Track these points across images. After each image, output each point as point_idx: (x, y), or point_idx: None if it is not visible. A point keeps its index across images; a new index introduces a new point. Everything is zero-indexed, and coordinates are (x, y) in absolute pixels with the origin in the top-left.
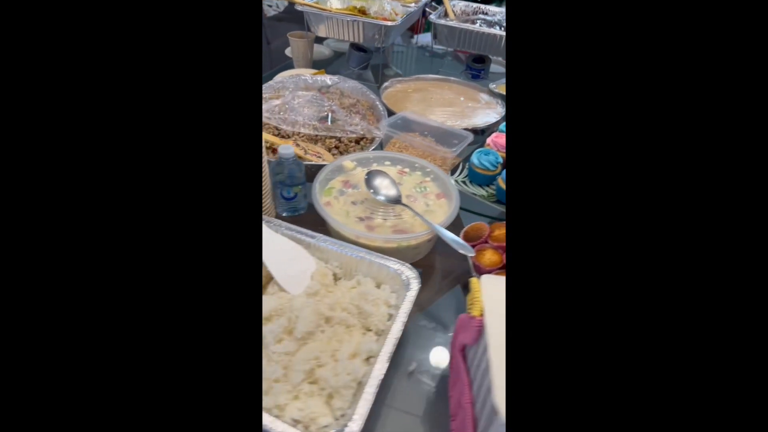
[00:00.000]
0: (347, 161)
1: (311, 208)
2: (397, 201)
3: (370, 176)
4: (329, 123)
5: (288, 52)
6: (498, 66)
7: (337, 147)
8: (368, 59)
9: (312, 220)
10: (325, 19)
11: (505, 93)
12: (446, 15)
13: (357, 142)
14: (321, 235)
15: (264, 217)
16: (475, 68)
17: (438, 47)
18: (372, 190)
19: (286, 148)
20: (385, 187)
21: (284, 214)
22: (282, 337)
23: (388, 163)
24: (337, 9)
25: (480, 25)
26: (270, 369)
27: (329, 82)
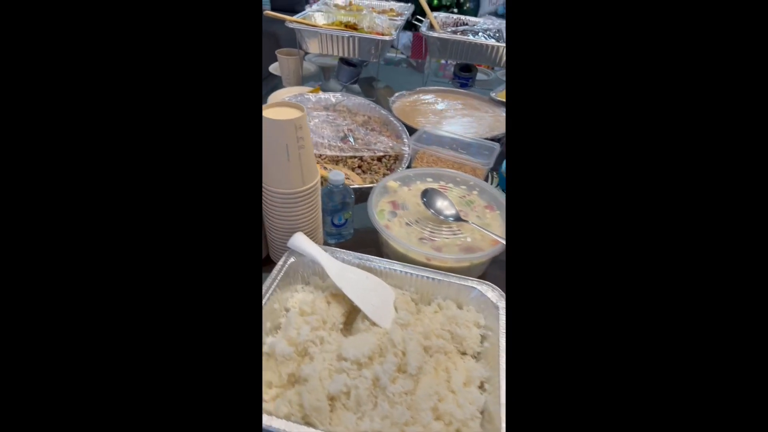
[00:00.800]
0: (391, 181)
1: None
2: (457, 218)
3: (427, 195)
4: (352, 142)
5: (272, 69)
6: (481, 75)
7: (360, 167)
8: (358, 73)
9: (355, 245)
10: (320, 35)
11: (504, 99)
12: (432, 27)
13: (379, 159)
14: (386, 260)
15: (326, 248)
16: (463, 77)
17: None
18: (432, 210)
19: (337, 175)
20: (444, 206)
21: (332, 242)
22: (395, 375)
23: (429, 179)
24: (326, 25)
25: (471, 36)
26: (397, 413)
27: (333, 100)
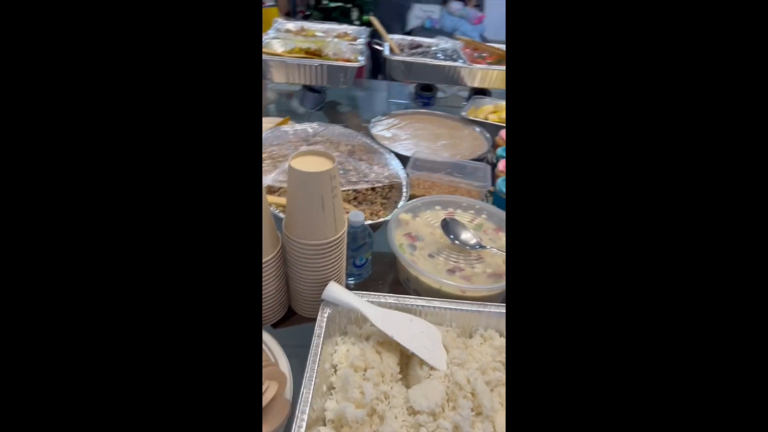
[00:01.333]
0: (403, 214)
1: None
2: (480, 246)
3: (447, 226)
4: (344, 174)
5: None
6: (440, 92)
7: (356, 198)
8: (323, 99)
9: (370, 283)
10: (286, 65)
11: (477, 118)
12: (392, 51)
13: (373, 189)
14: (423, 298)
15: (359, 293)
16: (426, 96)
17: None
18: (458, 241)
19: (357, 216)
20: (467, 236)
21: (351, 282)
22: (473, 420)
23: (438, 207)
24: (286, 52)
25: (433, 57)
26: None
27: (311, 131)
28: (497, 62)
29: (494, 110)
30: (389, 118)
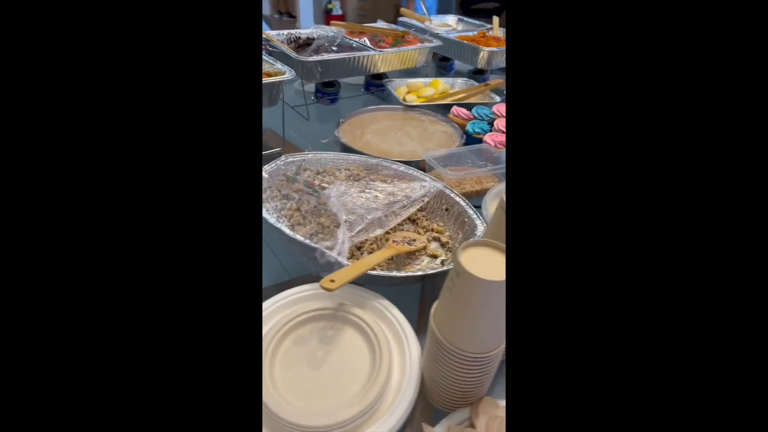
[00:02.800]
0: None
1: None
2: None
3: None
4: (383, 200)
5: None
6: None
7: (413, 221)
8: None
9: None
10: None
11: (420, 102)
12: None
13: (412, 222)
14: None
15: None
16: (329, 92)
17: None
18: None
19: None
20: None
21: None
22: None
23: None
24: None
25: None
26: None
27: (284, 166)
28: (395, 44)
29: (408, 91)
30: (338, 126)
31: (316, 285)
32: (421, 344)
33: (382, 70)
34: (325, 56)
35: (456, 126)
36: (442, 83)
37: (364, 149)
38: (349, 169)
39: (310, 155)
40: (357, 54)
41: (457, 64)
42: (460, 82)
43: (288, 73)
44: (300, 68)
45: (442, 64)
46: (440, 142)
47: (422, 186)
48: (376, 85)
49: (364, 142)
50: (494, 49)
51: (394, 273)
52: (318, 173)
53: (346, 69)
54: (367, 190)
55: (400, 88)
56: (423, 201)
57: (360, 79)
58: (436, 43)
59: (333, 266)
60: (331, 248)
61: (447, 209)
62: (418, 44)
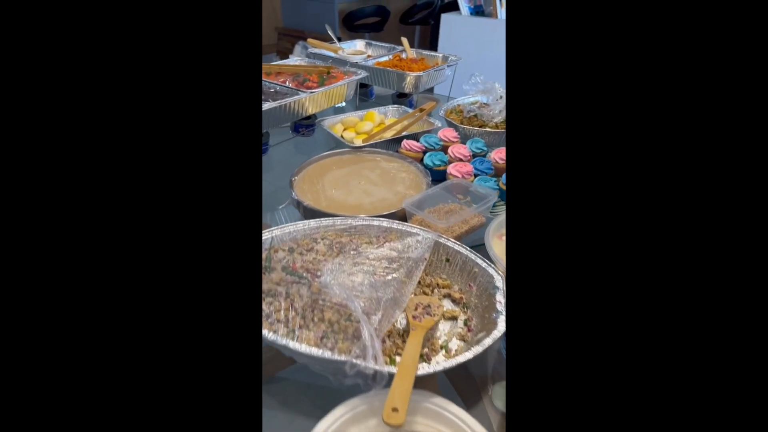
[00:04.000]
0: None
1: None
2: None
3: None
4: (382, 269)
5: None
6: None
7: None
8: None
9: None
10: None
11: (361, 138)
12: None
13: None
14: None
15: None
16: (307, 124)
17: None
18: None
19: None
20: None
21: None
22: None
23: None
24: None
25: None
26: None
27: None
28: (321, 81)
29: (345, 128)
30: (298, 182)
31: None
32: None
33: (311, 112)
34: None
35: (412, 161)
36: (377, 114)
37: (332, 208)
38: (327, 238)
39: (276, 231)
40: (287, 100)
41: (377, 89)
42: (391, 110)
43: None
44: None
45: (362, 90)
46: (408, 184)
47: (417, 241)
48: (305, 126)
49: (329, 200)
50: (420, 73)
51: (444, 365)
52: (293, 250)
53: (276, 118)
54: (359, 261)
55: (334, 125)
56: (425, 260)
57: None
58: (363, 74)
59: (368, 377)
60: (359, 354)
61: (447, 260)
62: (346, 78)
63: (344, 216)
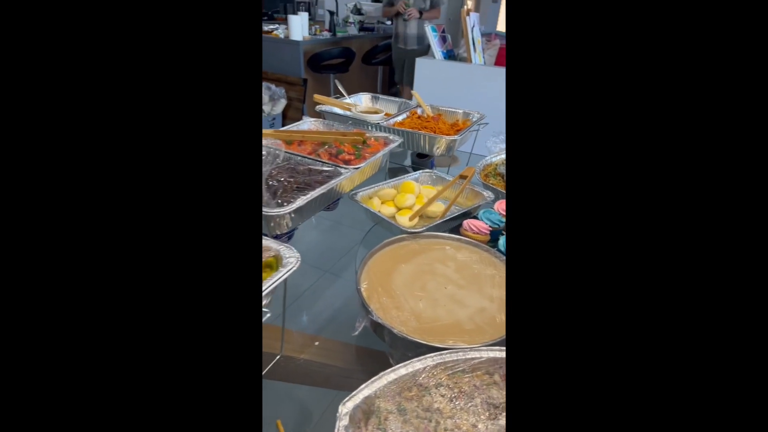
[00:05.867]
0: None
1: None
2: None
3: None
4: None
5: None
6: None
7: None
8: None
9: None
10: None
11: (407, 217)
12: None
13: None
14: None
15: None
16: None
17: None
18: None
19: None
20: None
21: None
22: None
23: None
24: None
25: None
26: None
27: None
28: (357, 152)
29: (382, 202)
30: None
31: None
32: None
33: (348, 189)
34: (299, 201)
35: (487, 248)
36: (415, 184)
37: (427, 333)
38: (442, 384)
39: (376, 383)
40: (334, 183)
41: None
42: (423, 177)
43: None
44: (265, 224)
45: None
46: (499, 281)
47: None
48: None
49: (418, 317)
50: (455, 137)
51: None
52: (404, 411)
53: (318, 205)
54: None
55: (369, 199)
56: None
57: None
58: (398, 140)
59: None
60: None
61: None
62: (384, 148)
63: (454, 347)
